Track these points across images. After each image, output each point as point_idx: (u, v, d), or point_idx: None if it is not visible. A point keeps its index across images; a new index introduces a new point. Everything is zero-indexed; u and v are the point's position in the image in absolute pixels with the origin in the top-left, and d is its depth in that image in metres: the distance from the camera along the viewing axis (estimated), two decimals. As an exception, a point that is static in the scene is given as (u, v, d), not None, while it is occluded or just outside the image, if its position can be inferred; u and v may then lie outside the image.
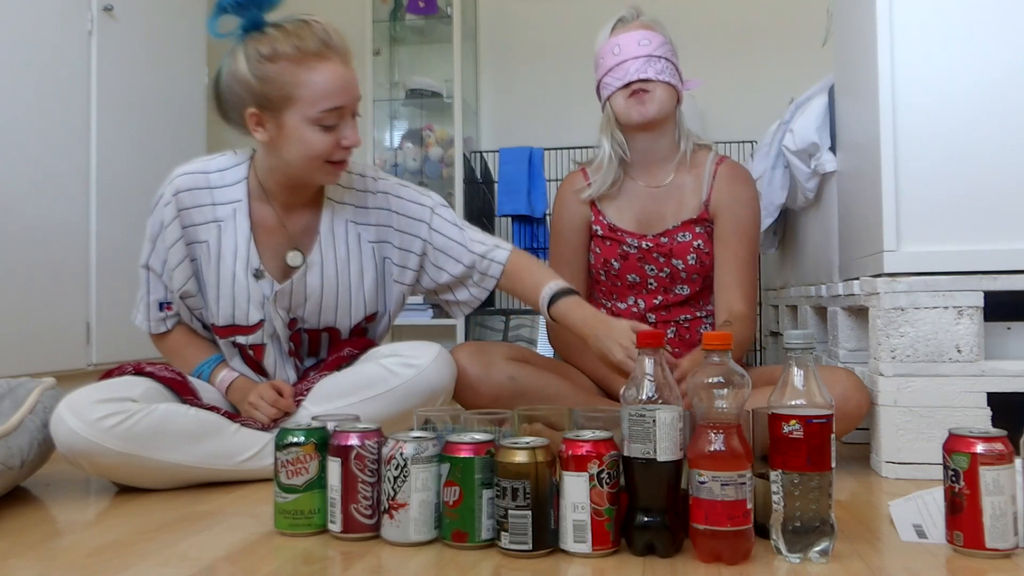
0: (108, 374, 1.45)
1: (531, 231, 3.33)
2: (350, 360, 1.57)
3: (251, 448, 1.41)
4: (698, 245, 1.72)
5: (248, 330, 1.53)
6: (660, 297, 1.75)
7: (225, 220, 1.50)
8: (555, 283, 1.54)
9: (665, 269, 1.73)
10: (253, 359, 1.56)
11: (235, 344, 1.55)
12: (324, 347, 1.61)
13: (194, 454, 1.36)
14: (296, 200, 1.52)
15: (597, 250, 1.78)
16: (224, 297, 1.50)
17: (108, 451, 1.29)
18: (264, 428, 1.44)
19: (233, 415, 1.46)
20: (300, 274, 1.51)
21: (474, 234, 1.63)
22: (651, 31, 1.70)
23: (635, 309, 1.76)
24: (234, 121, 1.44)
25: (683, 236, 1.72)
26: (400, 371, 1.47)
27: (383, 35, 3.72)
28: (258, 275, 1.50)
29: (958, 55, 1.46)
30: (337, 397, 1.46)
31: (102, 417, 1.29)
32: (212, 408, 1.44)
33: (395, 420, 1.43)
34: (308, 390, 1.49)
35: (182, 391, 1.46)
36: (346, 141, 1.41)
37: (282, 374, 1.57)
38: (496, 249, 1.61)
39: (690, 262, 1.72)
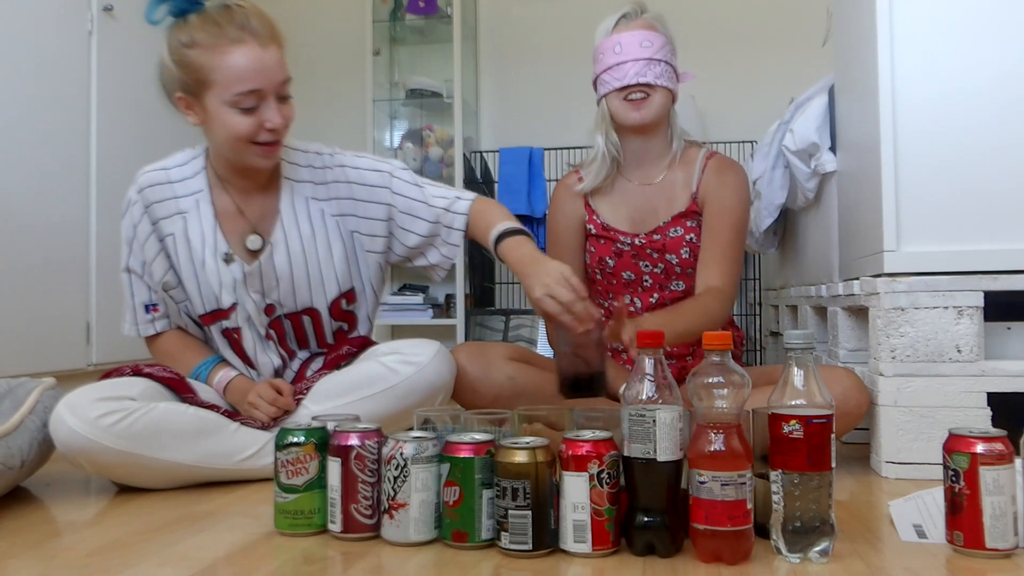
0: (106, 376, 1.46)
1: (531, 231, 3.33)
2: (349, 358, 1.57)
3: (251, 447, 1.41)
4: (690, 239, 1.72)
5: (225, 314, 1.55)
6: (656, 295, 1.75)
7: (189, 211, 1.53)
8: (504, 224, 1.53)
9: (659, 265, 1.73)
10: (240, 345, 1.57)
11: (224, 333, 1.56)
12: (311, 334, 1.60)
13: (193, 453, 1.36)
14: (251, 184, 1.54)
15: (592, 249, 1.78)
16: (203, 284, 1.53)
17: (107, 449, 1.30)
18: (264, 427, 1.44)
19: (232, 414, 1.46)
20: (267, 255, 1.52)
21: (434, 190, 1.62)
22: (654, 32, 1.70)
23: (632, 307, 1.76)
24: (173, 105, 1.48)
25: (675, 231, 1.73)
26: (400, 369, 1.47)
27: (383, 35, 3.72)
28: (228, 259, 1.52)
29: (958, 55, 1.46)
30: (337, 395, 1.46)
31: (101, 415, 1.30)
32: (211, 407, 1.44)
33: (396, 418, 1.43)
34: (308, 389, 1.50)
35: (181, 389, 1.47)
36: (268, 123, 1.41)
37: (263, 358, 1.57)
38: (458, 201, 1.61)
39: (683, 256, 1.72)
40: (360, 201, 1.58)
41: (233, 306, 1.54)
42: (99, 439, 1.29)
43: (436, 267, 1.66)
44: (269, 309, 1.56)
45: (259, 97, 1.40)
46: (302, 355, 1.62)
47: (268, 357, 1.58)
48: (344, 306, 1.61)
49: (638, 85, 1.67)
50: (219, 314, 1.55)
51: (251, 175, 1.53)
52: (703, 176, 1.74)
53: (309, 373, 1.60)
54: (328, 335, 1.62)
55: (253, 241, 1.53)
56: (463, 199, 1.62)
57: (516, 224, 1.54)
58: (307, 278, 1.55)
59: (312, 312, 1.58)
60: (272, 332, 1.57)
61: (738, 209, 1.72)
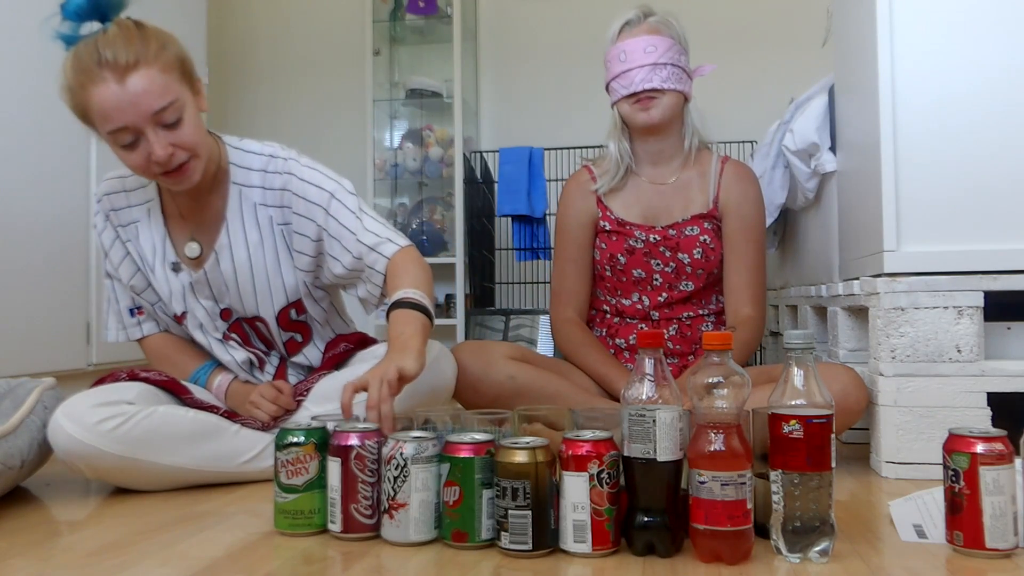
0: (100, 381, 1.45)
1: (531, 231, 3.33)
2: (347, 355, 1.57)
3: (252, 449, 1.41)
4: (704, 240, 1.73)
5: (180, 320, 1.55)
6: (665, 294, 1.76)
7: (141, 220, 1.53)
8: (403, 292, 1.42)
9: (671, 264, 1.74)
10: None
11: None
12: (271, 337, 1.57)
13: (194, 456, 1.36)
14: (195, 193, 1.47)
15: (603, 245, 1.78)
16: (157, 290, 1.53)
17: (107, 455, 1.29)
18: (264, 427, 1.44)
19: (232, 415, 1.46)
20: (212, 262, 1.49)
21: (371, 224, 1.51)
22: (658, 35, 1.70)
23: (640, 306, 1.77)
24: None
25: (691, 230, 1.74)
26: None
27: (383, 35, 3.71)
28: (176, 268, 1.51)
29: (958, 55, 1.46)
30: (338, 396, 1.45)
31: (100, 421, 1.29)
32: (211, 407, 1.44)
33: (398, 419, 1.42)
34: (308, 390, 1.49)
35: (178, 391, 1.47)
36: (153, 156, 1.32)
37: (226, 357, 1.56)
38: (387, 243, 1.50)
39: (696, 256, 1.73)
40: (296, 214, 1.50)
41: (184, 314, 1.53)
42: (99, 445, 1.28)
43: (364, 301, 1.57)
44: (225, 313, 1.54)
45: (133, 132, 1.31)
46: (273, 358, 1.61)
47: (231, 355, 1.56)
48: (294, 316, 1.56)
49: (644, 92, 1.68)
50: (179, 318, 1.55)
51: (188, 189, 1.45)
52: (721, 181, 1.76)
53: (290, 373, 1.60)
54: (279, 344, 1.59)
55: (191, 248, 1.50)
56: (393, 243, 1.51)
57: (416, 295, 1.42)
58: (252, 286, 1.51)
59: (261, 320, 1.55)
60: (233, 335, 1.56)
61: (759, 226, 1.77)
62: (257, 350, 1.59)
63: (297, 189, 1.49)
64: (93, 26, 1.33)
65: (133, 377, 1.45)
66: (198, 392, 1.51)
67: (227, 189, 1.50)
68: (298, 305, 1.56)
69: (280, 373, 1.60)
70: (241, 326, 1.56)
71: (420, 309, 1.41)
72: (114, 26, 1.31)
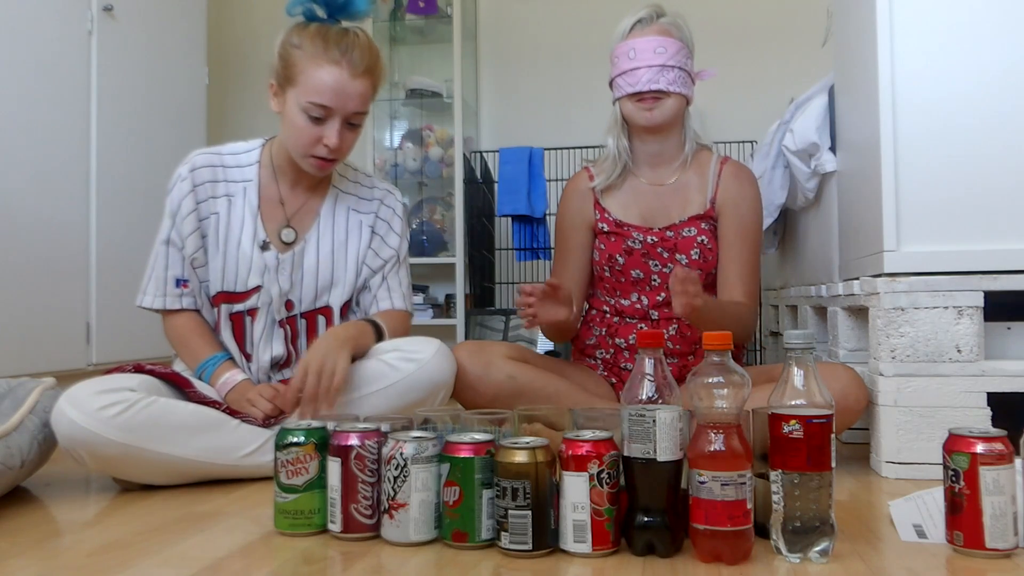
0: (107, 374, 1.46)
1: (531, 231, 3.33)
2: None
3: (252, 443, 1.42)
4: (702, 241, 1.73)
5: (240, 297, 1.58)
6: (663, 294, 1.76)
7: (235, 195, 1.61)
8: (372, 320, 1.59)
9: (669, 265, 1.74)
10: (242, 332, 1.59)
11: (231, 316, 1.59)
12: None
13: (194, 447, 1.37)
14: (303, 179, 1.63)
15: (602, 246, 1.79)
16: (229, 264, 1.58)
17: (109, 442, 1.30)
18: (263, 424, 1.45)
19: (232, 412, 1.47)
20: (300, 248, 1.61)
21: (404, 278, 1.70)
22: (669, 37, 1.70)
23: (638, 306, 1.77)
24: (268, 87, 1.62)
25: (688, 231, 1.74)
26: (401, 366, 1.49)
27: (383, 35, 3.71)
28: (264, 247, 1.59)
29: (958, 55, 1.46)
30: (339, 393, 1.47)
31: (102, 407, 1.30)
32: (212, 403, 1.46)
33: (398, 415, 1.43)
34: None
35: (181, 383, 1.48)
36: (325, 140, 1.51)
37: (265, 346, 1.59)
38: (398, 299, 1.67)
39: (694, 257, 1.73)
40: (382, 235, 1.68)
41: (256, 288, 1.58)
42: (101, 431, 1.29)
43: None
44: (288, 304, 1.60)
45: (328, 113, 1.50)
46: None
47: (271, 345, 1.59)
48: (349, 311, 1.66)
49: (650, 92, 1.68)
50: (233, 296, 1.58)
51: (304, 171, 1.60)
52: (720, 182, 1.76)
53: None
54: None
55: (287, 234, 1.62)
56: (401, 301, 1.68)
57: (383, 327, 1.58)
58: (331, 277, 1.63)
59: (326, 311, 1.62)
60: (287, 326, 1.61)
61: (756, 225, 1.77)
62: (296, 348, 1.62)
63: (385, 215, 1.69)
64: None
65: (139, 370, 1.46)
66: (200, 387, 1.52)
67: (326, 190, 1.67)
68: (350, 301, 1.66)
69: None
70: (296, 321, 1.61)
71: (373, 325, 1.57)
72: (364, 35, 1.56)
